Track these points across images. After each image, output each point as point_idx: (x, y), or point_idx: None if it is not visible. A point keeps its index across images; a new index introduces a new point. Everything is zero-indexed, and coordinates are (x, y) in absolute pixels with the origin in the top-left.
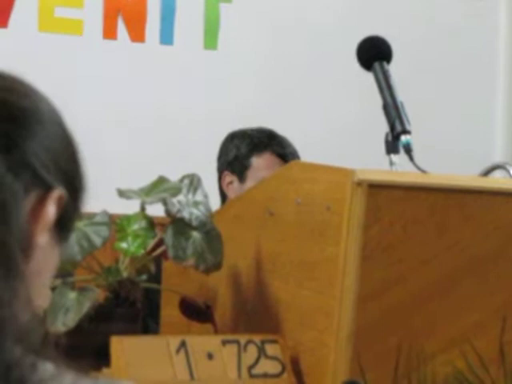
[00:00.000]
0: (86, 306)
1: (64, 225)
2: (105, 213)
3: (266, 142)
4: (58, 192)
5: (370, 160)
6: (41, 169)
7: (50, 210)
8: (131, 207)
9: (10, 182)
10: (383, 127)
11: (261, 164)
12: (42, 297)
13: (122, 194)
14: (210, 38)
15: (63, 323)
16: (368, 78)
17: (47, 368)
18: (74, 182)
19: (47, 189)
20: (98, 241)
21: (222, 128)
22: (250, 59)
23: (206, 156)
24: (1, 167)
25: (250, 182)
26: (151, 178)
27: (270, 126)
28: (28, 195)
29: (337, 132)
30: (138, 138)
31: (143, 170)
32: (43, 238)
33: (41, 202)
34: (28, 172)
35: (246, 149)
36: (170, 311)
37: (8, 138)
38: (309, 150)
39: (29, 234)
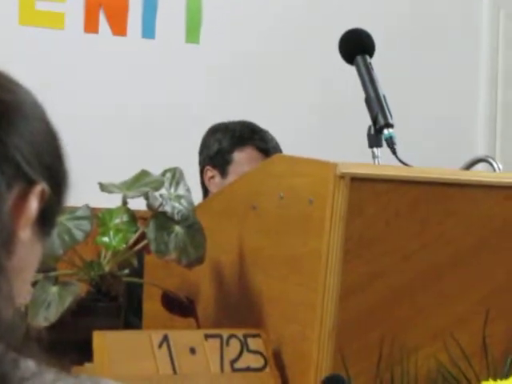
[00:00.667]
0: (68, 300)
1: (46, 220)
2: (86, 207)
3: (248, 136)
4: (41, 187)
5: (353, 153)
6: (23, 163)
7: (33, 205)
8: (113, 201)
9: None
10: (366, 120)
11: (243, 159)
12: (23, 293)
13: (103, 188)
14: (192, 31)
15: (45, 318)
16: (350, 69)
17: (29, 365)
18: (56, 177)
19: (30, 183)
20: (79, 235)
21: (203, 122)
22: (232, 53)
23: (188, 150)
24: None
25: (231, 177)
26: (133, 171)
27: (252, 119)
28: (10, 190)
29: (319, 125)
30: (120, 132)
31: (125, 164)
32: (26, 233)
33: (23, 197)
34: (11, 166)
35: (227, 143)
36: (152, 305)
37: None
38: (291, 144)
39: (11, 229)
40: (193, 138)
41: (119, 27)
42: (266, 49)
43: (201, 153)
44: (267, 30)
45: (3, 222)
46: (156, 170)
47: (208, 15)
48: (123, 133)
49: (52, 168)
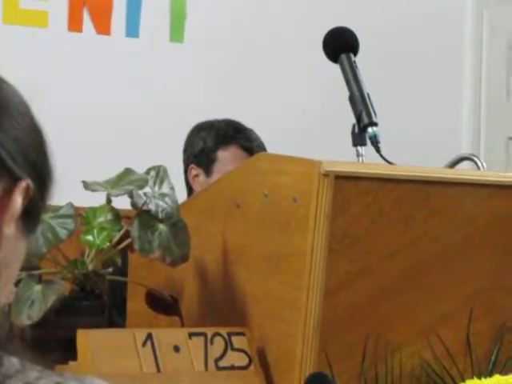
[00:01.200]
0: (52, 298)
1: (31, 216)
2: (70, 205)
3: (232, 134)
4: (25, 183)
5: (337, 152)
6: (8, 160)
7: (17, 201)
8: (97, 200)
9: None
10: (350, 118)
11: (227, 157)
12: (6, 291)
13: (87, 186)
14: (176, 30)
15: (28, 316)
16: (335, 69)
17: (12, 362)
18: (41, 174)
19: (14, 180)
20: (63, 233)
21: (187, 120)
22: (216, 52)
23: (173, 148)
24: None
25: (216, 176)
26: (117, 170)
27: (237, 118)
28: None
29: (303, 123)
30: (104, 130)
31: (109, 162)
32: (10, 229)
33: (8, 193)
34: None
35: (212, 142)
36: (136, 304)
37: None
38: (275, 142)
39: None
40: (177, 137)
41: (103, 26)
42: (252, 48)
43: (185, 151)
44: (252, 28)
45: None
46: (140, 169)
47: (192, 14)
48: (107, 131)
49: (37, 164)
